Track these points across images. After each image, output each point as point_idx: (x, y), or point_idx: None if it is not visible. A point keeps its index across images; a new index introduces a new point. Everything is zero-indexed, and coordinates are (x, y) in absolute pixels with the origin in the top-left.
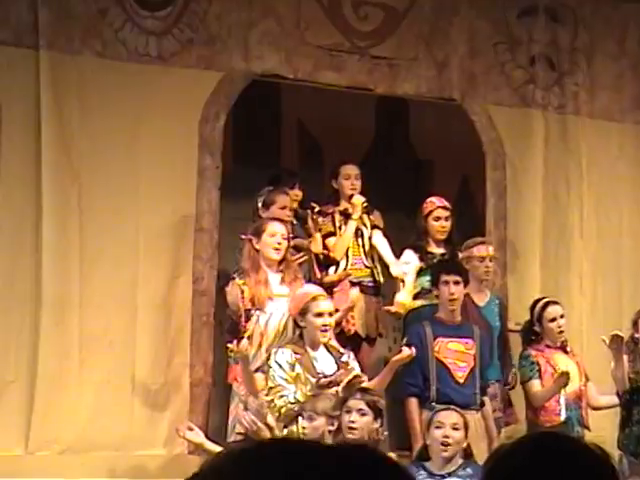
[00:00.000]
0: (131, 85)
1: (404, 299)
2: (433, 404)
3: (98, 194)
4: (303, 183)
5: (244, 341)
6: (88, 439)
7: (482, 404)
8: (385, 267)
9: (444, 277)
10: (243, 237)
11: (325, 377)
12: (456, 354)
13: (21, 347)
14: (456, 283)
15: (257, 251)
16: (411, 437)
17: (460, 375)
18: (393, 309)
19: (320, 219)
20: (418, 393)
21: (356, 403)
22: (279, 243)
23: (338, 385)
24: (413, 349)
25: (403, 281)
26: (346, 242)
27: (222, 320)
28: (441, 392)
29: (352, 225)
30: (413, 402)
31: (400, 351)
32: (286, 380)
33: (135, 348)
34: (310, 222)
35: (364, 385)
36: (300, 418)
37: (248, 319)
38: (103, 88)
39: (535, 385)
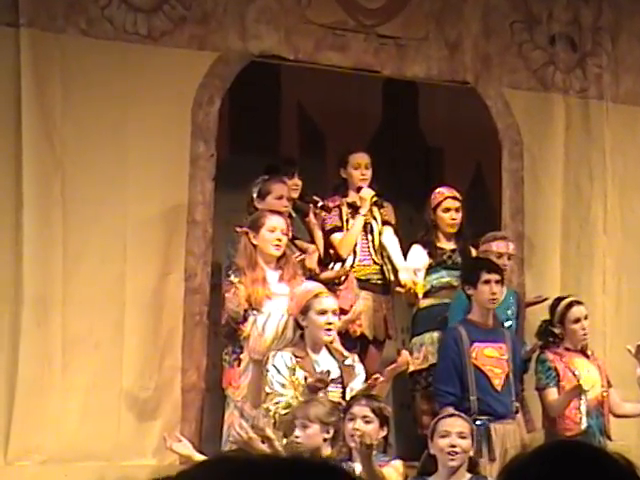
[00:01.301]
0: (118, 66)
1: (407, 278)
2: (474, 415)
3: (82, 183)
4: (304, 173)
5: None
6: (72, 448)
7: (517, 411)
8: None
9: (486, 276)
10: (239, 230)
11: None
12: (492, 360)
13: (0, 349)
14: (497, 282)
15: (254, 246)
16: None
17: (497, 383)
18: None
19: (323, 214)
20: (456, 403)
21: (361, 410)
22: (279, 239)
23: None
24: (406, 352)
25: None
26: (353, 238)
27: (216, 320)
28: (482, 402)
29: (360, 221)
30: (449, 412)
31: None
32: (283, 386)
33: (123, 350)
34: (312, 218)
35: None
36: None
37: (245, 320)
38: (88, 69)
39: (551, 394)
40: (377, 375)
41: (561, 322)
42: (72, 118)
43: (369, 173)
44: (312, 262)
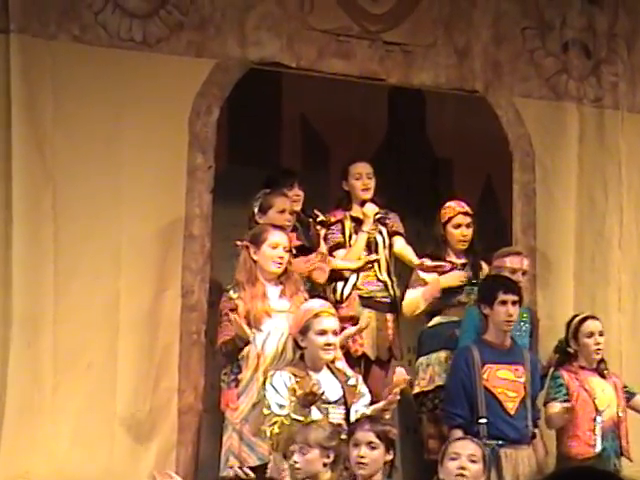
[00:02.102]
0: (112, 74)
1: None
2: (484, 440)
3: (75, 197)
4: (306, 185)
5: None
6: (63, 473)
7: (534, 436)
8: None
9: (502, 296)
10: (239, 244)
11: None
12: (506, 383)
13: None
14: (514, 303)
15: (254, 262)
16: None
17: (511, 406)
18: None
19: (323, 231)
20: (464, 425)
21: (365, 436)
22: (281, 257)
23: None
24: (402, 370)
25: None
26: (355, 256)
27: (214, 338)
28: (492, 426)
29: (363, 238)
30: (458, 434)
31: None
32: (282, 407)
33: (116, 371)
34: (314, 233)
35: (370, 411)
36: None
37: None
38: (81, 77)
39: (552, 407)
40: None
41: (575, 338)
42: (64, 128)
43: (372, 183)
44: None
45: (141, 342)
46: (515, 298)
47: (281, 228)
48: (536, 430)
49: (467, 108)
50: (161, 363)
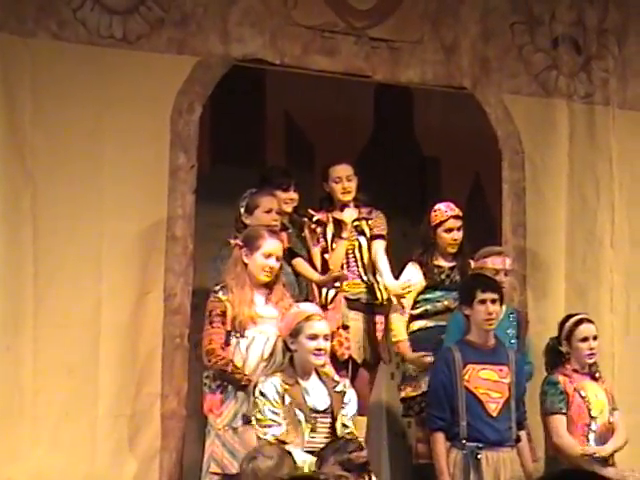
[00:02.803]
0: (92, 72)
1: (402, 333)
2: (463, 441)
3: (54, 198)
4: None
5: None
6: None
7: (518, 439)
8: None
9: (481, 295)
10: (233, 242)
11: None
12: (488, 383)
13: None
14: (494, 302)
15: (245, 265)
16: (437, 478)
17: (493, 408)
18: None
19: (319, 229)
20: (445, 428)
21: (332, 470)
22: (272, 267)
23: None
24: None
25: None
26: (337, 263)
27: (197, 342)
28: (472, 428)
29: (342, 246)
30: (440, 438)
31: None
32: (276, 413)
33: (98, 376)
34: (307, 233)
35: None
36: None
37: (228, 343)
38: (60, 76)
39: (559, 421)
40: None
41: (567, 340)
42: (43, 128)
43: (353, 185)
44: (317, 261)
45: (123, 346)
46: (494, 296)
47: (276, 234)
48: (522, 433)
49: (455, 105)
50: (143, 368)
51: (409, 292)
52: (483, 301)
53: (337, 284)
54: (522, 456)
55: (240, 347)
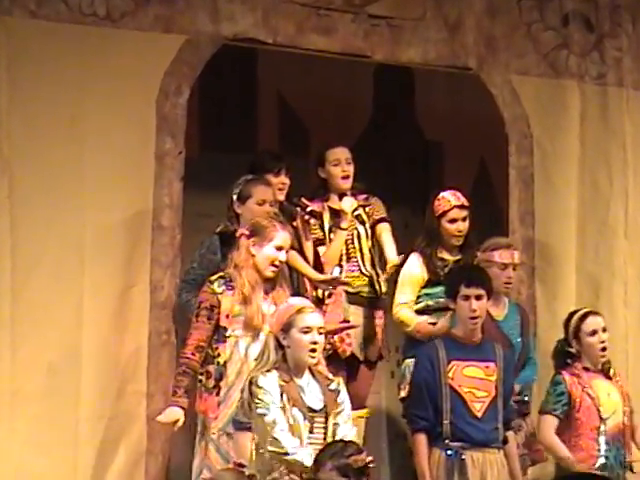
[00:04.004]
0: (73, 52)
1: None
2: (447, 442)
3: (33, 186)
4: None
5: None
6: None
7: (505, 440)
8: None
9: (464, 290)
10: (241, 231)
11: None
12: (474, 381)
13: None
14: (478, 298)
15: (252, 256)
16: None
17: (478, 407)
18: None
19: (312, 220)
20: (428, 428)
21: (329, 477)
22: (281, 261)
23: None
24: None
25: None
26: (335, 254)
27: (184, 337)
28: (456, 427)
29: (341, 236)
30: (421, 439)
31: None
32: (278, 407)
33: (80, 374)
34: (300, 225)
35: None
36: None
37: (223, 340)
38: (39, 56)
39: (549, 422)
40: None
41: (576, 337)
42: (20, 111)
43: (351, 169)
44: (309, 254)
45: (106, 342)
46: (480, 292)
47: (285, 226)
48: (509, 433)
49: (459, 87)
50: (128, 365)
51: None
52: (467, 297)
53: (332, 287)
54: (510, 459)
55: (239, 347)
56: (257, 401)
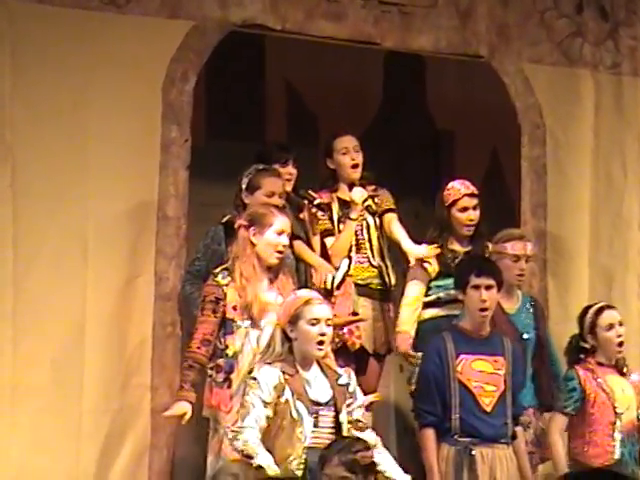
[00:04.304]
0: (77, 38)
1: (408, 323)
2: (455, 437)
3: (36, 175)
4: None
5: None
6: None
7: (514, 436)
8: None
9: (474, 280)
10: (238, 222)
11: None
12: (482, 375)
13: None
14: (488, 288)
15: (253, 246)
16: (426, 476)
17: (487, 402)
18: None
19: (320, 213)
20: (436, 423)
21: (336, 472)
22: (284, 246)
23: None
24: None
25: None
26: (345, 246)
27: (189, 330)
28: (465, 422)
29: (351, 227)
30: (429, 434)
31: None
32: (266, 404)
33: (83, 367)
34: (307, 216)
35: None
36: None
37: (230, 332)
38: (42, 42)
39: (559, 420)
40: None
41: (592, 332)
42: (23, 98)
43: (360, 157)
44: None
45: (110, 335)
46: (490, 282)
47: (285, 212)
48: (518, 429)
49: (471, 75)
50: (132, 358)
51: (436, 253)
52: (477, 287)
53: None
54: (519, 455)
55: (250, 338)
56: (247, 394)
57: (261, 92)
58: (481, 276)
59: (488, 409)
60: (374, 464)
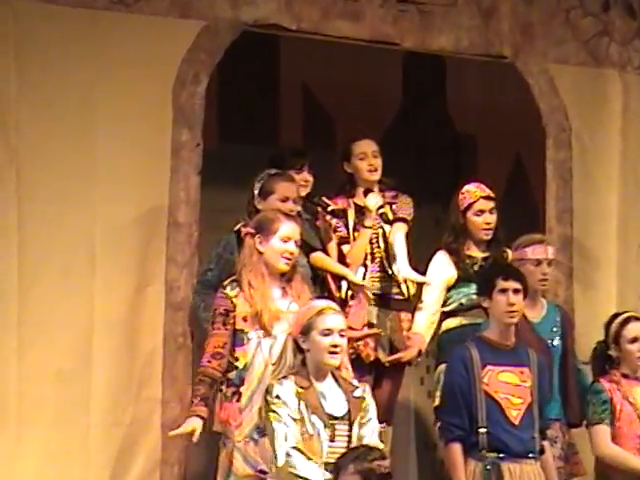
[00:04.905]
0: (85, 38)
1: (422, 326)
2: (483, 452)
3: (42, 179)
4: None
5: None
6: None
7: (542, 450)
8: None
9: (501, 284)
10: (243, 230)
11: None
12: (509, 387)
13: None
14: (516, 292)
15: (260, 254)
16: None
17: (515, 415)
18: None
19: (334, 221)
20: (463, 437)
21: (350, 479)
22: (292, 252)
23: None
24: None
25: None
26: (360, 254)
27: (201, 342)
28: (492, 437)
29: (365, 234)
30: (457, 449)
31: None
32: (295, 420)
33: (91, 379)
34: (322, 224)
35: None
36: None
37: (241, 344)
38: (48, 42)
39: (602, 432)
40: None
41: (616, 342)
42: (29, 100)
43: (378, 163)
44: (333, 254)
45: (119, 346)
46: (517, 286)
47: (292, 218)
48: (545, 443)
49: (493, 76)
50: (142, 370)
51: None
52: (504, 290)
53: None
54: (548, 471)
55: (262, 347)
56: (271, 413)
57: (276, 94)
58: (509, 279)
59: (516, 422)
60: (390, 475)
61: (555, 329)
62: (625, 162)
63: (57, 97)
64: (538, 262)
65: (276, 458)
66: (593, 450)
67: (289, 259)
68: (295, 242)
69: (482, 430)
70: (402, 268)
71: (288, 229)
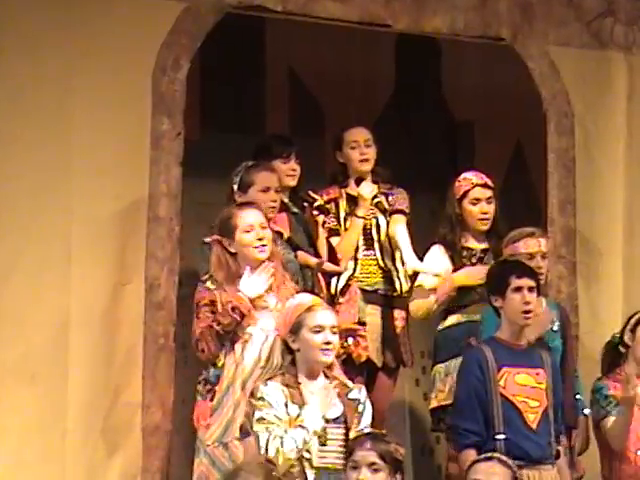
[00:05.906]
0: (61, 22)
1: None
2: None
3: (15, 172)
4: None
5: None
6: None
7: (557, 455)
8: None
9: (516, 282)
10: (208, 240)
11: None
12: (526, 390)
13: None
14: (531, 290)
15: (233, 255)
16: None
17: (532, 419)
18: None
19: (321, 217)
20: (480, 444)
21: (365, 456)
22: (260, 238)
23: None
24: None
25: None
26: (350, 245)
27: (185, 343)
28: (511, 443)
29: (358, 225)
30: (471, 455)
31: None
32: (279, 419)
33: (67, 382)
34: (310, 218)
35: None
36: None
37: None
38: (23, 27)
39: (610, 422)
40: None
41: (628, 341)
42: (2, 87)
43: (372, 152)
44: (322, 249)
45: (97, 347)
46: (532, 283)
47: (250, 204)
48: (560, 447)
49: (491, 60)
50: (121, 373)
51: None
52: (519, 288)
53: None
54: (562, 475)
55: (234, 348)
56: (256, 415)
57: (261, 80)
58: (523, 277)
59: (534, 426)
60: (402, 464)
61: (555, 328)
62: (630, 149)
63: (31, 84)
64: (531, 256)
65: (266, 453)
66: (610, 442)
67: (263, 245)
68: (261, 226)
69: (500, 436)
70: (409, 260)
71: (247, 218)
